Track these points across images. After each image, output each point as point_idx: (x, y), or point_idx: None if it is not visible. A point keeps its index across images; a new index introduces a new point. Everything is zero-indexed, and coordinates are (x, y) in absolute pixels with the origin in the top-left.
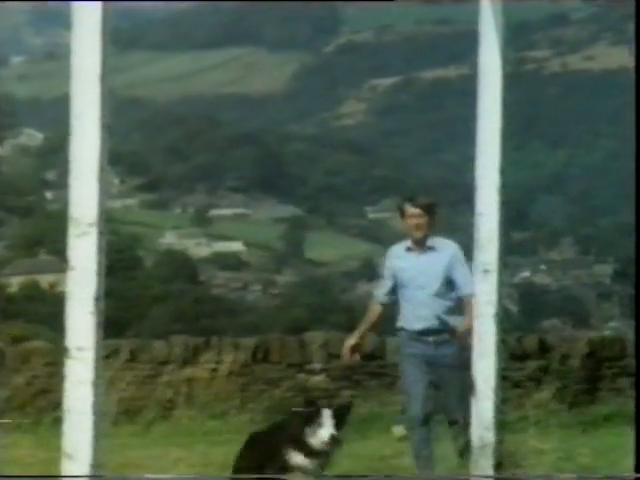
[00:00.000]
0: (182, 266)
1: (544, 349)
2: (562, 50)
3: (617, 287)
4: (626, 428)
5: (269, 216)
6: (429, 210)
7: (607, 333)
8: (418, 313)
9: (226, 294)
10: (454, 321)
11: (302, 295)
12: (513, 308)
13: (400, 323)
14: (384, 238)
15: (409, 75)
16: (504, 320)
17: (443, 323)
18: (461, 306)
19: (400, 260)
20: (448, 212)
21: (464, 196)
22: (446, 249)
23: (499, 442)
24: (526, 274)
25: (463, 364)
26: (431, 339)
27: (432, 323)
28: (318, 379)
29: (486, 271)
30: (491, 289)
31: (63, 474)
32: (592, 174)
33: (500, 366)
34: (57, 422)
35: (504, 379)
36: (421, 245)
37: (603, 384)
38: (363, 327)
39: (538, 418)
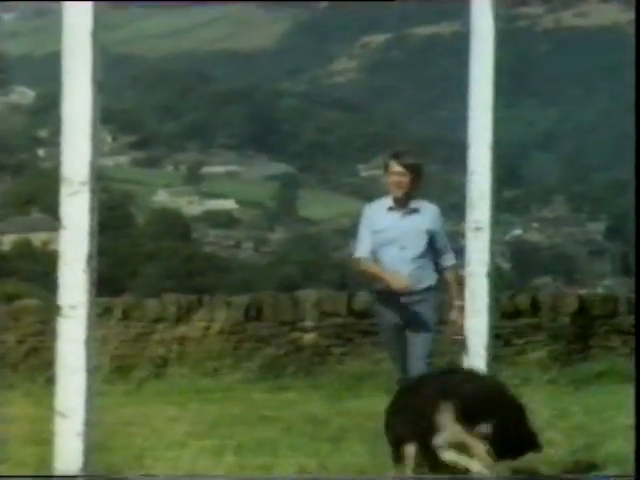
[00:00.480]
0: (174, 224)
1: (536, 307)
2: (555, 7)
3: (609, 245)
4: (618, 386)
5: (261, 174)
6: (414, 170)
7: (599, 290)
8: (403, 273)
9: (218, 252)
10: (431, 280)
11: (294, 253)
12: (505, 266)
13: (379, 286)
14: (376, 196)
15: (401, 32)
16: (496, 278)
17: (422, 284)
18: (439, 269)
19: (382, 219)
20: (440, 170)
21: (456, 154)
22: (429, 212)
23: None
24: (518, 232)
25: (432, 321)
26: (407, 299)
27: (415, 283)
28: (310, 337)
29: (478, 229)
30: (483, 247)
31: (56, 432)
32: (584, 131)
33: (492, 324)
34: (50, 380)
35: (496, 337)
36: (404, 205)
37: (595, 342)
38: (381, 273)
39: (530, 376)
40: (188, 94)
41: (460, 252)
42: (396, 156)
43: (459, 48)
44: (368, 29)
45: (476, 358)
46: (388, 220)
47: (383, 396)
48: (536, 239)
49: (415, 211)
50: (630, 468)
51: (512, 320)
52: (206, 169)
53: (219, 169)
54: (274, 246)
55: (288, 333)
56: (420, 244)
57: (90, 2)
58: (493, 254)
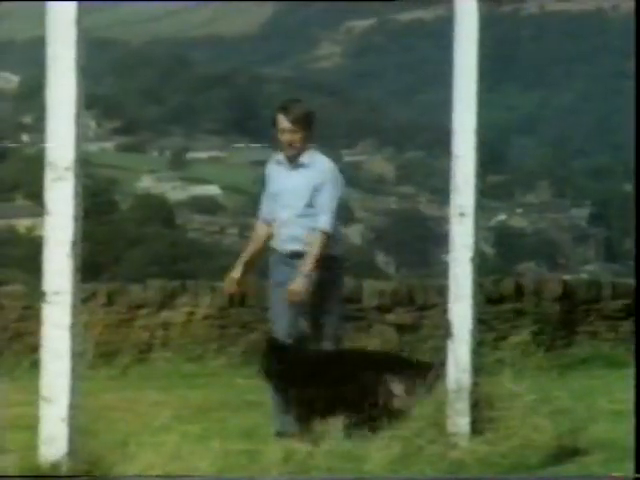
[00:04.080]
0: (158, 210)
1: (520, 292)
2: None
3: (593, 230)
4: (602, 371)
5: (245, 159)
6: (305, 123)
7: (583, 276)
8: (286, 233)
9: (202, 238)
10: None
11: None
12: (489, 251)
13: (272, 243)
14: (360, 181)
15: (385, 17)
16: (480, 263)
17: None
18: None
19: (272, 174)
20: (424, 155)
21: (440, 139)
22: (318, 167)
23: (475, 385)
24: (502, 217)
25: (335, 291)
26: (298, 263)
27: (299, 245)
28: None
29: (462, 214)
30: (467, 232)
31: (40, 417)
32: (567, 116)
33: (476, 309)
34: (34, 365)
35: (480, 322)
36: (291, 160)
37: (579, 327)
38: (248, 252)
39: (514, 361)
40: (171, 79)
41: (444, 237)
42: (284, 110)
43: (443, 33)
44: (352, 14)
45: (460, 343)
46: (275, 175)
47: None
48: (520, 224)
49: (301, 166)
50: (614, 453)
51: (496, 305)
52: (190, 154)
53: (203, 154)
54: None
55: None
56: (299, 203)
57: None
58: (477, 239)
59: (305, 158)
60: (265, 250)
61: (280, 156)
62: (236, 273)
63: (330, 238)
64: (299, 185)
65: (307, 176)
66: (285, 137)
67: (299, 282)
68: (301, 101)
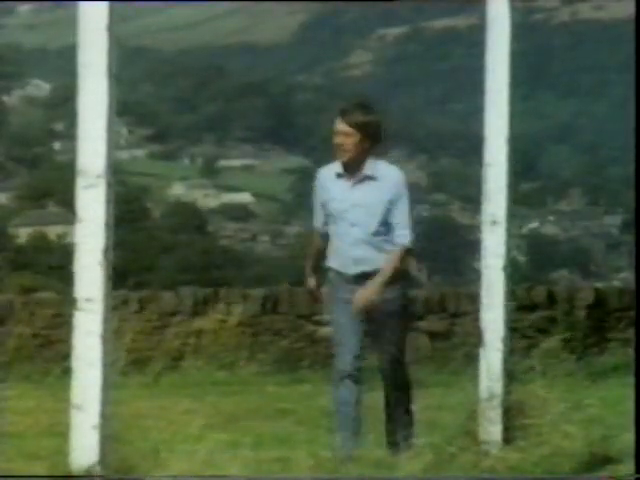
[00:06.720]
0: (190, 217)
1: (552, 300)
2: None
3: (626, 238)
4: (633, 378)
5: (277, 167)
6: (364, 129)
7: (616, 284)
8: (353, 254)
9: (234, 245)
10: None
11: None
12: (521, 259)
13: (331, 262)
14: None
15: (417, 25)
16: (512, 271)
17: (379, 266)
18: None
19: (330, 187)
20: (456, 163)
21: (472, 147)
22: (388, 179)
23: (507, 392)
24: (534, 225)
25: (405, 310)
26: (367, 281)
27: (369, 266)
28: (326, 330)
29: (494, 222)
30: (499, 240)
31: (71, 424)
32: (601, 124)
33: (508, 317)
34: (66, 373)
35: (512, 330)
36: (355, 172)
37: (611, 335)
38: (310, 263)
39: (546, 368)
40: (204, 87)
41: (476, 245)
42: (342, 113)
43: (475, 41)
44: (384, 22)
45: (492, 351)
46: (336, 189)
47: None
48: (552, 232)
49: (369, 179)
50: None
51: (528, 313)
52: (222, 162)
53: (235, 162)
54: (290, 239)
55: (304, 326)
56: (372, 220)
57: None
58: (509, 247)
59: (369, 169)
60: (323, 259)
61: (338, 168)
62: (311, 283)
63: (408, 253)
64: (370, 200)
65: (378, 189)
66: (338, 140)
67: (369, 290)
68: (370, 107)
